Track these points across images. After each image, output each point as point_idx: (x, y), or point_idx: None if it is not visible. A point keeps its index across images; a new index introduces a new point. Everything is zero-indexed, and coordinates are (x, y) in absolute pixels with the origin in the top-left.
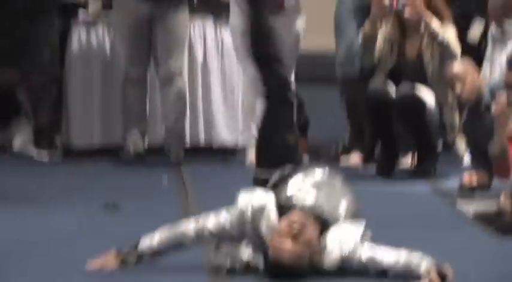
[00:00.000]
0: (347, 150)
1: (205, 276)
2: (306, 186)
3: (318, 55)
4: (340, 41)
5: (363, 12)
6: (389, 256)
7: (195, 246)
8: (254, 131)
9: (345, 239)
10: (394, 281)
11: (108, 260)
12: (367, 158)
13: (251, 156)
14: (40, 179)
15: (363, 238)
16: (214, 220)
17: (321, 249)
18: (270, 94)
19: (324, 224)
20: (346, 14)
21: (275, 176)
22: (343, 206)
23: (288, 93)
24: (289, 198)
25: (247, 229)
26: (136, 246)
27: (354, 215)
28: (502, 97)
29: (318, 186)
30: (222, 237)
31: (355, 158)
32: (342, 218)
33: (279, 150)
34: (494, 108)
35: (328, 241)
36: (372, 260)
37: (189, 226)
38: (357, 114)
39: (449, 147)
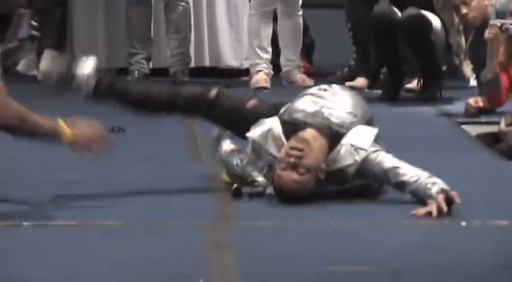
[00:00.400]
0: (353, 74)
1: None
2: (312, 99)
3: None
4: None
5: None
6: (412, 171)
7: None
8: (259, 55)
9: (358, 143)
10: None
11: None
12: (372, 82)
13: (255, 78)
14: (44, 103)
15: (377, 145)
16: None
17: (332, 162)
18: None
19: (334, 136)
20: None
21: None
22: (353, 112)
23: None
24: (296, 118)
25: (263, 155)
26: None
27: (367, 121)
28: (496, 22)
29: (323, 96)
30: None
31: (360, 81)
32: (353, 125)
33: None
34: (486, 34)
35: (341, 150)
36: (394, 170)
37: None
38: (363, 38)
39: (455, 70)
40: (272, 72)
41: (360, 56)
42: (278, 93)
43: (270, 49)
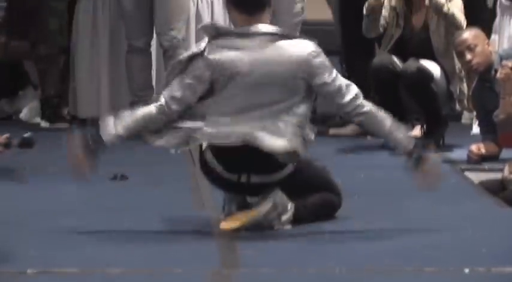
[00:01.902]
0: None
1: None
2: None
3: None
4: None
5: None
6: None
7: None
8: None
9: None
10: None
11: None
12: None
13: None
14: (47, 150)
15: None
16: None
17: None
18: None
19: None
20: None
21: None
22: None
23: None
24: None
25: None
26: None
27: None
28: (508, 63)
29: None
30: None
31: (348, 129)
32: None
33: None
34: (499, 74)
35: None
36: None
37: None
38: (357, 81)
39: (458, 117)
40: None
41: None
42: None
43: None
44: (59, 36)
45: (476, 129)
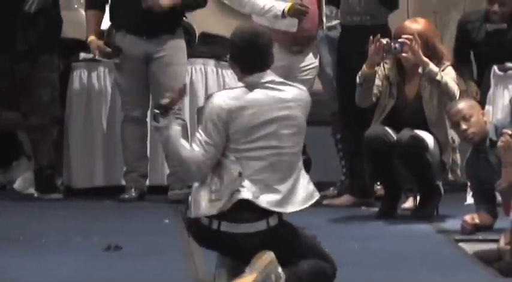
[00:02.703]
0: (341, 192)
1: None
2: None
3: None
4: (323, 78)
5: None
6: None
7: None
8: None
9: None
10: None
11: None
12: (363, 198)
13: None
14: (40, 220)
15: None
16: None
17: None
18: None
19: None
20: (323, 50)
21: None
22: None
23: None
24: None
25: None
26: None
27: None
28: (508, 131)
29: None
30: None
31: (342, 199)
32: None
33: None
34: (499, 143)
35: None
36: None
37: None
38: (349, 151)
39: (451, 187)
40: None
41: (347, 171)
42: None
43: None
44: (52, 107)
45: (470, 199)
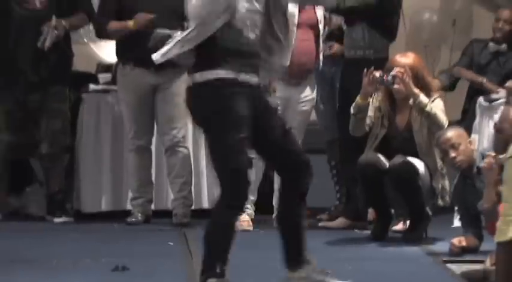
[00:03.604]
0: (336, 214)
1: None
2: None
3: None
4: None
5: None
6: None
7: None
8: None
9: None
10: None
11: None
12: (358, 221)
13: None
14: (52, 243)
15: None
16: None
17: None
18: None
19: None
20: (321, 83)
21: None
22: None
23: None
24: None
25: None
26: None
27: None
28: (491, 153)
29: None
30: None
31: (337, 222)
32: None
33: None
34: (483, 164)
35: None
36: None
37: None
38: (344, 177)
39: (440, 211)
40: (254, 213)
41: (342, 196)
42: (268, 236)
43: (256, 193)
44: (62, 136)
45: (457, 222)
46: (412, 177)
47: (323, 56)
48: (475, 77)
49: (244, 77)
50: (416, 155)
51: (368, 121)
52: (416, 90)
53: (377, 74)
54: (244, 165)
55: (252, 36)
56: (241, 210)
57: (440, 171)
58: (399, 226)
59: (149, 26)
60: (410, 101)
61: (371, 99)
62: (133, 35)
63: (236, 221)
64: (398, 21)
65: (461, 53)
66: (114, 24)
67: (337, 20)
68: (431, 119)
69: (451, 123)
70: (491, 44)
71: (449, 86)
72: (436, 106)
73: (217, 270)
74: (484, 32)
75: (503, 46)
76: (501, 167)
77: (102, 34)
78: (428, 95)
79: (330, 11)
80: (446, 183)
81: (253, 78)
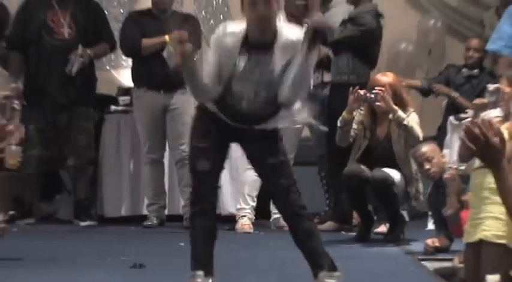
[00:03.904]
0: (325, 219)
1: None
2: None
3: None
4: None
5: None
6: None
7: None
8: (246, 201)
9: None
10: None
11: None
12: (344, 225)
13: (240, 222)
14: (78, 243)
15: None
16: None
17: None
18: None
19: None
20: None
21: None
22: None
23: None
24: None
25: None
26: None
27: None
28: (453, 165)
29: None
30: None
31: (327, 225)
32: None
33: None
34: (446, 175)
35: None
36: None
37: None
38: (333, 186)
39: (416, 216)
40: (254, 217)
41: (330, 203)
42: (267, 237)
43: (256, 199)
44: (87, 150)
45: (431, 225)
46: (389, 187)
47: (314, 82)
48: (449, 92)
49: (220, 115)
50: (394, 162)
51: (352, 133)
52: (395, 107)
53: (361, 92)
54: (202, 168)
55: (244, 104)
56: (200, 208)
57: (415, 177)
58: (381, 228)
59: (183, 41)
60: (390, 116)
61: (355, 114)
62: (146, 62)
63: (201, 219)
64: (378, 51)
65: (437, 74)
66: (147, 41)
67: (325, 49)
68: (408, 131)
69: (427, 139)
70: (464, 70)
71: (428, 90)
72: (412, 120)
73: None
74: (456, 59)
75: (476, 71)
76: (467, 177)
77: (131, 53)
78: (405, 109)
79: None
80: (420, 185)
81: (228, 121)
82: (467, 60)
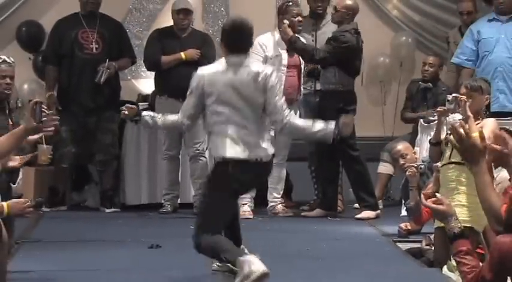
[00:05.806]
0: (314, 207)
1: None
2: None
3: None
4: None
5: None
6: None
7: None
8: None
9: None
10: None
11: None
12: (330, 212)
13: (241, 209)
14: (104, 227)
15: None
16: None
17: None
18: None
19: None
20: (302, 110)
21: None
22: None
23: None
24: None
25: None
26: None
27: None
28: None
29: None
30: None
31: (315, 212)
32: None
33: None
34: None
35: None
36: None
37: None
38: (321, 179)
39: (391, 204)
40: (253, 205)
41: (318, 193)
42: (265, 222)
43: (255, 191)
44: (112, 148)
45: (404, 212)
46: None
47: (308, 90)
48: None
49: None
50: None
51: None
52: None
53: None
54: None
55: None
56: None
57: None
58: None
59: (195, 58)
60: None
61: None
62: (166, 75)
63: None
64: (360, 64)
65: (405, 96)
66: (166, 58)
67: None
68: None
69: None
70: (420, 83)
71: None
72: None
73: None
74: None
75: (429, 84)
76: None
77: (152, 68)
78: None
79: (307, 61)
80: None
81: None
82: (423, 74)
